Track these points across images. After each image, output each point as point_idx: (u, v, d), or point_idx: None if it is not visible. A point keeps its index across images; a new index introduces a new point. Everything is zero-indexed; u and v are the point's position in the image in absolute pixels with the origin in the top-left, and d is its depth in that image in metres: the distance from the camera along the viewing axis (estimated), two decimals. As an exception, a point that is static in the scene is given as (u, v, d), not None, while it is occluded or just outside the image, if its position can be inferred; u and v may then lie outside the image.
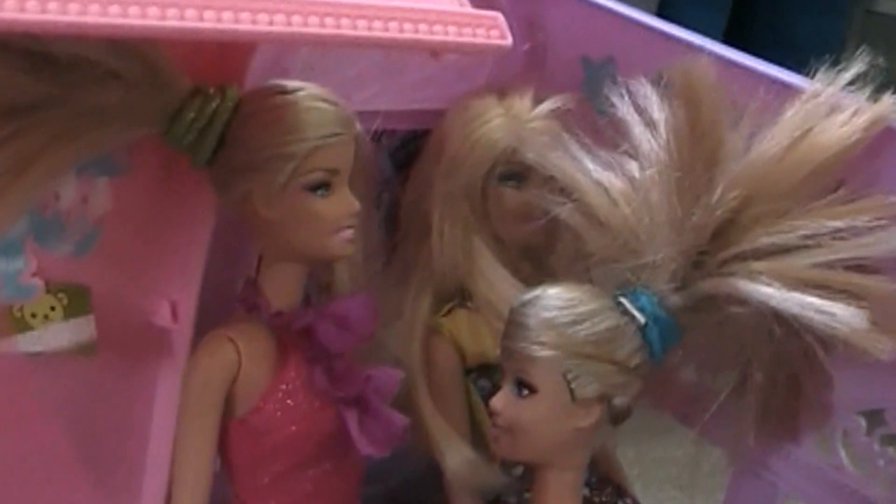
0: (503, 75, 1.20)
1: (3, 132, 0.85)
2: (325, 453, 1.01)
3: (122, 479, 1.09)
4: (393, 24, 0.77)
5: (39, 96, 0.86)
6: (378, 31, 0.76)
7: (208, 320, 1.06)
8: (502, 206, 1.12)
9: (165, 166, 1.01)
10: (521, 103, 1.11)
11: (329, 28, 0.74)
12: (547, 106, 1.11)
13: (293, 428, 0.99)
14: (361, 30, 0.76)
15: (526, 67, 1.21)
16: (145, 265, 1.04)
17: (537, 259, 1.14)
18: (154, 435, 1.09)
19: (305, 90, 0.95)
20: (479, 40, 0.81)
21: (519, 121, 1.10)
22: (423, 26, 0.77)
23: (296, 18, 0.75)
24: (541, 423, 0.96)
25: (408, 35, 0.77)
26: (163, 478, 1.06)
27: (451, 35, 0.79)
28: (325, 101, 0.95)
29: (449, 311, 1.13)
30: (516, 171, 1.11)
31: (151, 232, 1.03)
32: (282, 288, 1.00)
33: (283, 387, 0.99)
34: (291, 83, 0.97)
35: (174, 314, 1.05)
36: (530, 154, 1.08)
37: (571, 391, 0.95)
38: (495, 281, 1.10)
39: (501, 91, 1.13)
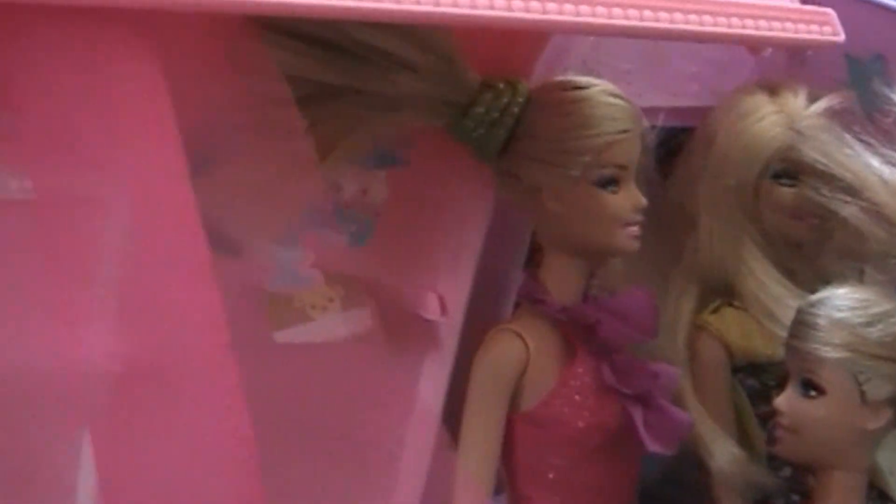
0: (764, 71, 1.17)
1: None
2: (607, 449, 1.00)
3: (380, 464, 1.10)
4: (721, 20, 0.76)
5: (337, 87, 0.87)
6: (709, 26, 0.75)
7: (474, 313, 1.06)
8: (775, 204, 1.09)
9: (443, 160, 1.01)
10: (796, 101, 1.08)
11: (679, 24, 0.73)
12: (823, 104, 1.08)
13: (580, 423, 0.98)
14: (693, 24, 0.75)
15: (787, 64, 1.18)
16: (417, 258, 1.04)
17: (807, 258, 1.11)
18: (413, 424, 1.09)
19: (598, 86, 0.95)
20: (813, 36, 0.79)
21: (794, 118, 1.07)
22: (756, 21, 0.75)
23: (631, 12, 0.74)
24: (827, 424, 0.95)
25: (738, 30, 0.76)
26: (421, 466, 1.07)
27: (784, 31, 0.77)
28: (616, 96, 0.95)
29: (716, 309, 1.11)
30: (790, 169, 1.08)
31: (425, 225, 1.03)
32: (564, 283, 0.99)
33: (572, 382, 0.98)
34: (581, 79, 0.96)
35: (442, 307, 1.05)
36: (810, 152, 1.05)
37: (862, 393, 0.93)
38: (766, 280, 1.08)
39: (771, 88, 1.10)
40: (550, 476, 1.00)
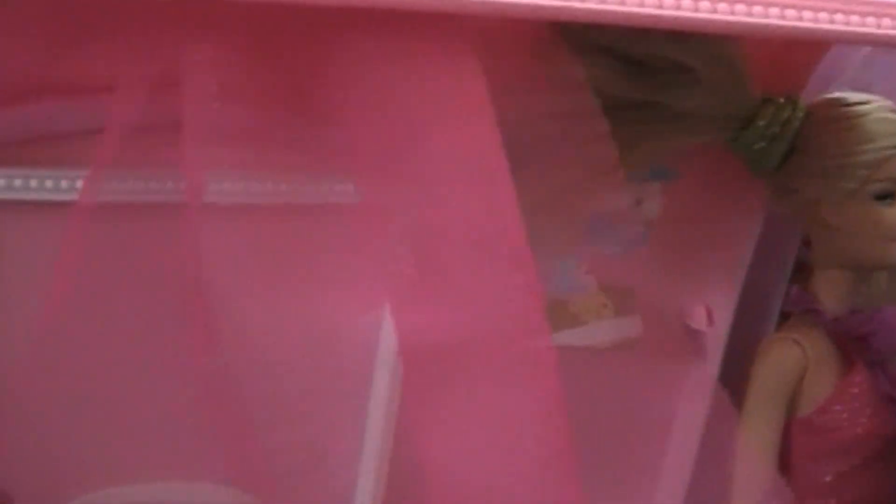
0: None
1: None
2: (883, 454, 1.02)
3: (636, 476, 1.12)
4: None
5: (631, 100, 0.90)
6: None
7: (738, 325, 1.09)
8: None
9: (716, 174, 1.04)
10: None
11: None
12: None
13: (858, 430, 1.00)
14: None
15: None
16: (686, 269, 1.07)
17: None
18: (676, 436, 1.11)
19: (875, 101, 0.97)
20: None
21: None
22: None
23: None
24: None
25: None
26: (682, 475, 1.09)
27: None
28: (893, 111, 0.96)
29: None
30: None
31: (696, 237, 1.06)
32: (834, 294, 1.02)
33: (851, 390, 1.00)
34: (859, 95, 0.98)
35: (710, 318, 1.07)
36: None
37: None
38: None
39: None
40: (827, 479, 1.02)
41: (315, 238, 0.83)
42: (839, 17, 0.80)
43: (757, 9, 0.77)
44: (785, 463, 1.03)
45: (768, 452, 1.01)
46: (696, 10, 0.75)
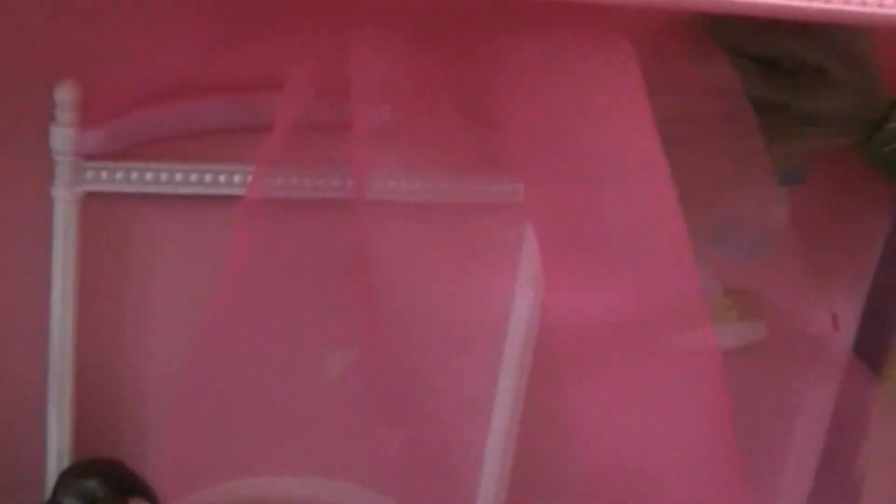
0: None
1: None
2: None
3: (756, 479, 1.12)
4: None
5: (764, 100, 0.91)
6: None
7: (864, 331, 1.08)
8: None
9: (843, 177, 1.04)
10: None
11: None
12: None
13: None
14: None
15: None
16: (811, 275, 1.07)
17: None
18: (799, 437, 1.11)
19: None
20: None
21: None
22: None
23: None
24: None
25: None
26: (805, 480, 1.09)
27: None
28: None
29: None
30: None
31: (821, 242, 1.06)
32: None
33: None
34: None
35: (835, 324, 1.07)
36: None
37: None
38: None
39: None
40: None
41: (470, 230, 0.84)
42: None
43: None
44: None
45: None
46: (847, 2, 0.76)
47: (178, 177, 0.85)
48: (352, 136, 0.76)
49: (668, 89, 0.82)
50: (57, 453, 0.87)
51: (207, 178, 0.85)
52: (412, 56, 0.75)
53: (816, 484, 1.13)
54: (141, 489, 0.84)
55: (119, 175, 0.83)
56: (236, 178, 0.84)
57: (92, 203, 0.83)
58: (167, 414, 0.86)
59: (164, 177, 0.84)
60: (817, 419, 1.10)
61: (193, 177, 0.85)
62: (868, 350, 1.08)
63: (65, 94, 0.78)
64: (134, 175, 0.83)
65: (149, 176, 0.84)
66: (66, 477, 0.85)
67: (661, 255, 0.73)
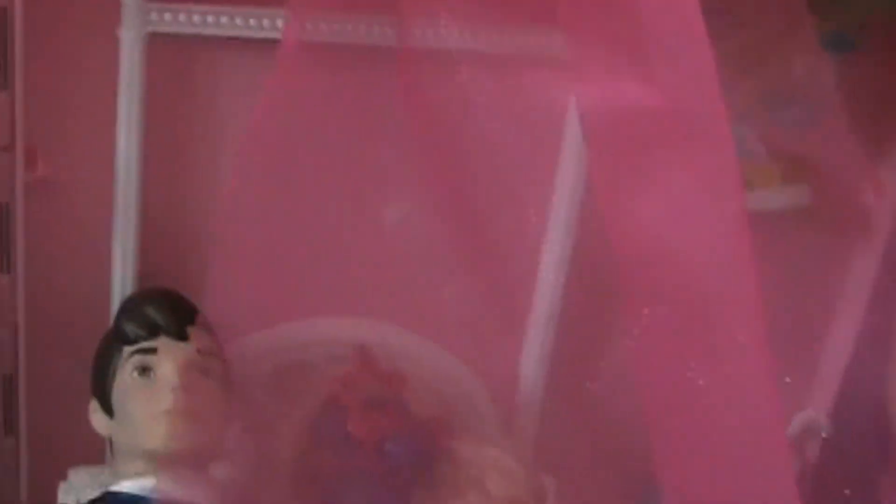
0: None
1: None
2: None
3: (801, 339, 1.12)
4: None
5: None
6: None
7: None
8: None
9: (893, 46, 1.04)
10: None
11: None
12: None
13: None
14: None
15: None
16: (858, 142, 1.07)
17: None
18: (841, 306, 1.13)
19: None
20: None
21: None
22: None
23: None
24: None
25: None
26: (846, 346, 1.10)
27: None
28: None
29: None
30: None
31: (869, 111, 1.06)
32: None
33: None
34: None
35: (879, 191, 1.08)
36: None
37: None
38: None
39: None
40: None
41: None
42: None
43: None
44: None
45: None
46: None
47: (238, 20, 0.89)
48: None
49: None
50: (121, 280, 0.92)
51: (266, 22, 0.89)
52: None
53: (856, 352, 1.14)
54: (199, 319, 0.88)
55: (182, 17, 0.87)
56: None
57: (156, 43, 0.87)
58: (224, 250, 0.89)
59: (224, 20, 0.88)
60: (861, 284, 1.12)
61: (252, 21, 0.89)
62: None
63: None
64: (196, 17, 0.87)
65: (209, 18, 0.88)
66: (128, 303, 0.90)
67: (685, 54, 0.74)
